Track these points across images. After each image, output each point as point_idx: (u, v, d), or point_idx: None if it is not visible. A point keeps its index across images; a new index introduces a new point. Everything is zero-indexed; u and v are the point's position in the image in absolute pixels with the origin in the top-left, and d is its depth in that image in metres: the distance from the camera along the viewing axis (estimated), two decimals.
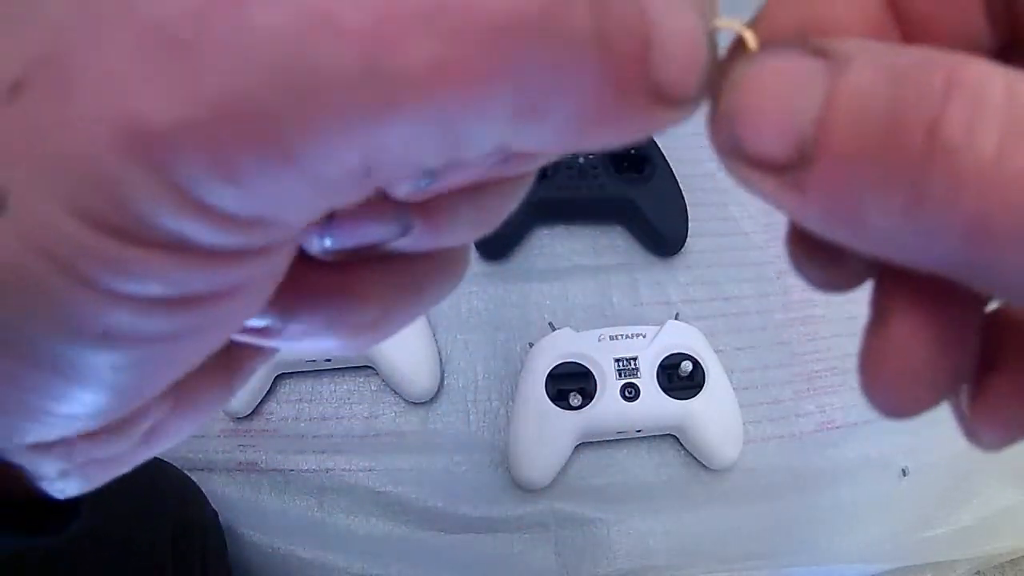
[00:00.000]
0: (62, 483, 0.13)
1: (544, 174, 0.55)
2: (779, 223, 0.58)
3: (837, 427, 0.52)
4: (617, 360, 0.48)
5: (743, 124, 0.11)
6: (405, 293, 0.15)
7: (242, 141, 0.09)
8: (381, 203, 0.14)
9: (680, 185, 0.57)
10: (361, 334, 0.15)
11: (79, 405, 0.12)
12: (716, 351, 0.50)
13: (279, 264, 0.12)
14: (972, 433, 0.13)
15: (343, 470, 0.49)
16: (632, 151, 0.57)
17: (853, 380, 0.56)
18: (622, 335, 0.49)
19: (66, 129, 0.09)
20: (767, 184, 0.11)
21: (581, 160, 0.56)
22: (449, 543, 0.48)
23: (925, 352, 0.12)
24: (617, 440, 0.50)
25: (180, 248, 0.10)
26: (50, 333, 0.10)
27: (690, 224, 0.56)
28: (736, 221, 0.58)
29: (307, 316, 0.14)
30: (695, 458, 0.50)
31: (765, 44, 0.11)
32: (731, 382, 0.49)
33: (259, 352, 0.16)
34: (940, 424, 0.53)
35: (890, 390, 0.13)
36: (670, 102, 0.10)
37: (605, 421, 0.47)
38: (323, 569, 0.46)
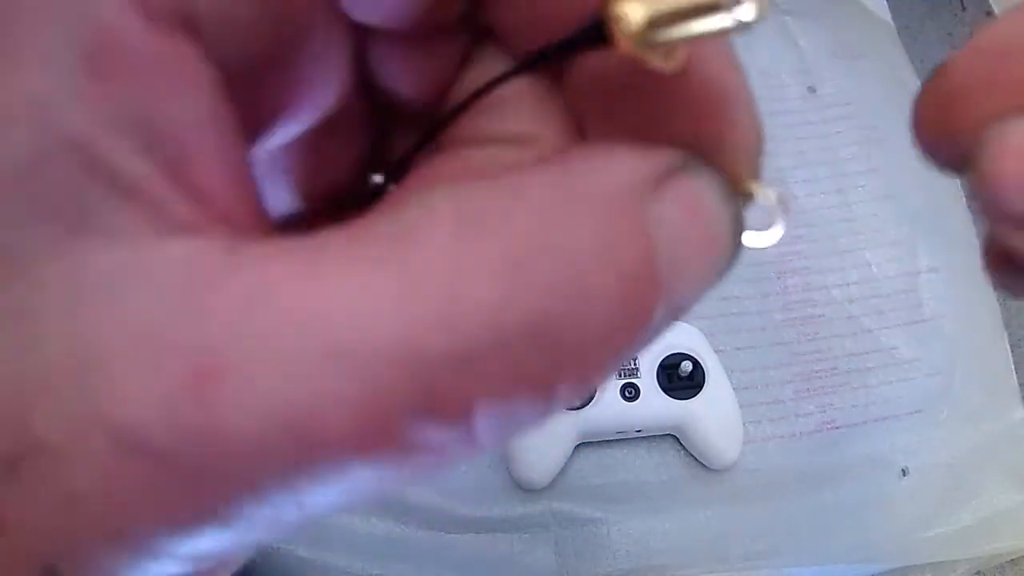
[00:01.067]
0: None
1: None
2: None
3: (837, 427, 0.52)
4: None
5: (1002, 189, 0.11)
6: None
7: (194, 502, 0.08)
8: None
9: None
10: None
11: None
12: (716, 351, 0.50)
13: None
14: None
15: None
16: None
17: (853, 380, 0.56)
18: None
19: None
20: None
21: None
22: (449, 543, 0.48)
23: None
24: (617, 440, 0.50)
25: None
26: None
27: None
28: None
29: None
30: (695, 458, 0.50)
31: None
32: (731, 382, 0.49)
33: None
34: (940, 424, 0.53)
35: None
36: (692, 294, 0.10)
37: (605, 421, 0.47)
38: (323, 569, 0.46)
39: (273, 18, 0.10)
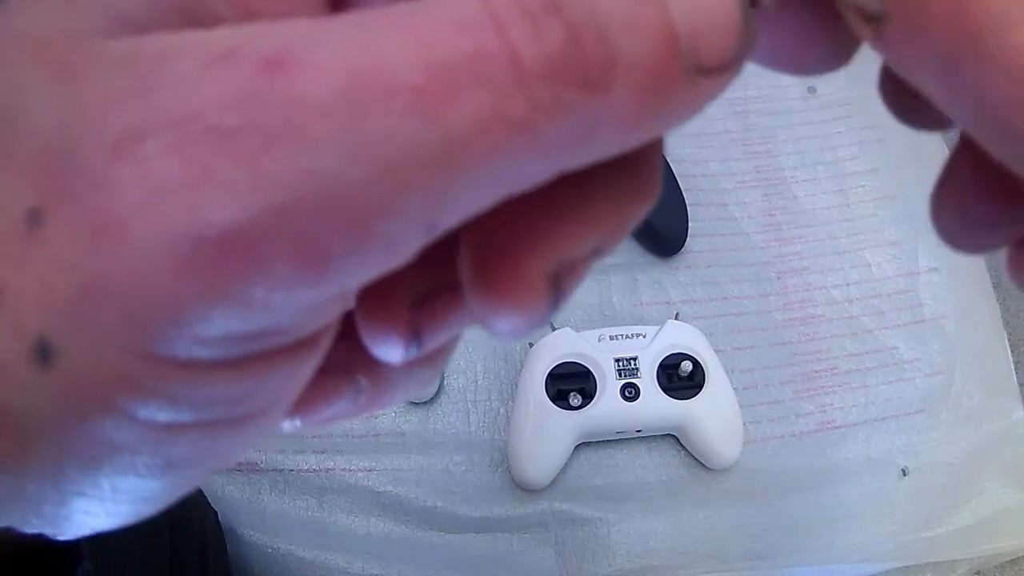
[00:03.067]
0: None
1: None
2: (779, 223, 0.59)
3: (837, 427, 0.52)
4: (617, 360, 0.48)
5: None
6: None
7: (324, 226, 0.09)
8: (338, 377, 0.14)
9: (680, 185, 0.57)
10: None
11: (94, 511, 0.11)
12: (716, 351, 0.50)
13: (311, 365, 0.12)
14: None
15: (343, 470, 0.49)
16: None
17: (853, 380, 0.56)
18: (622, 335, 0.49)
19: (107, 258, 0.09)
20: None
21: None
22: (449, 543, 0.48)
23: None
24: (617, 440, 0.50)
25: (226, 362, 0.10)
26: (82, 467, 0.10)
27: (690, 224, 0.56)
28: (736, 221, 0.58)
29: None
30: (695, 458, 0.50)
31: None
32: (731, 382, 0.49)
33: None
34: (940, 424, 0.53)
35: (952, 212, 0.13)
36: (714, 72, 0.10)
37: (605, 421, 0.47)
38: (323, 569, 0.46)
39: None
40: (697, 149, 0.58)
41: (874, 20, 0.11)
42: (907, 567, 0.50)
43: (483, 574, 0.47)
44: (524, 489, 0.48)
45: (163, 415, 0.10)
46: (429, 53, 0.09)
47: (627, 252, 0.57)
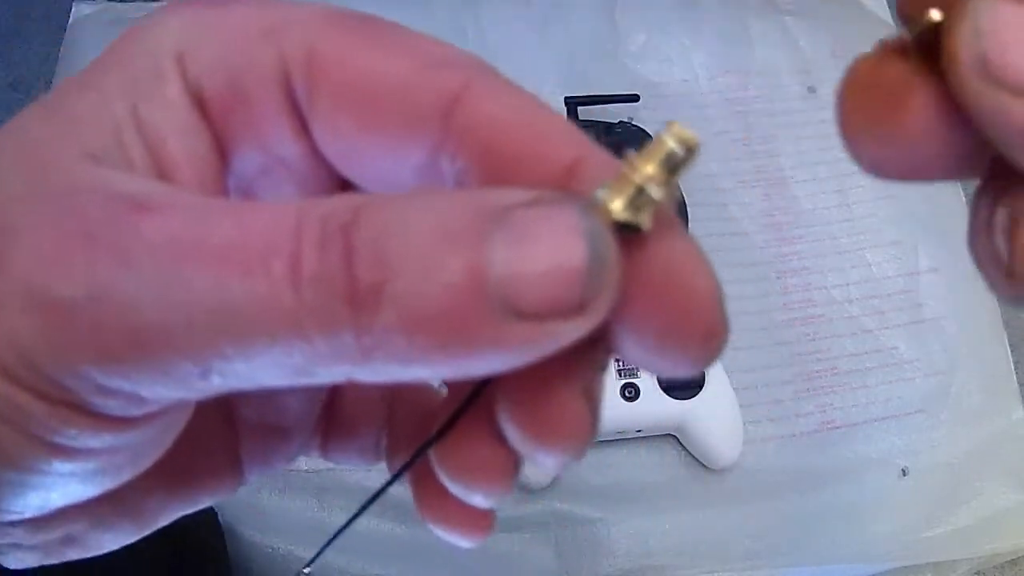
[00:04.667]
0: (8, 556, 0.15)
1: None
2: (779, 223, 0.59)
3: (837, 427, 0.52)
4: (617, 360, 0.48)
5: (997, 47, 0.11)
6: None
7: (118, 333, 0.11)
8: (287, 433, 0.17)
9: (680, 185, 0.57)
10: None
11: None
12: None
13: (165, 431, 0.14)
14: (1015, 281, 0.12)
15: (343, 470, 0.49)
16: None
17: (853, 380, 0.56)
18: None
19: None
20: (1014, 105, 0.11)
21: None
22: (449, 543, 0.47)
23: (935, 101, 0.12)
24: (617, 440, 0.50)
25: (85, 410, 0.12)
26: None
27: (690, 224, 0.56)
28: (736, 221, 0.58)
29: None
30: (695, 458, 0.50)
31: None
32: (731, 382, 0.49)
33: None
34: (940, 424, 0.52)
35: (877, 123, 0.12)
36: (543, 317, 0.11)
37: (605, 421, 0.47)
38: (323, 569, 0.46)
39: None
40: None
41: None
42: (907, 567, 0.50)
43: (483, 574, 0.47)
44: (524, 489, 0.48)
45: (51, 438, 0.12)
46: (240, 237, 0.11)
47: None
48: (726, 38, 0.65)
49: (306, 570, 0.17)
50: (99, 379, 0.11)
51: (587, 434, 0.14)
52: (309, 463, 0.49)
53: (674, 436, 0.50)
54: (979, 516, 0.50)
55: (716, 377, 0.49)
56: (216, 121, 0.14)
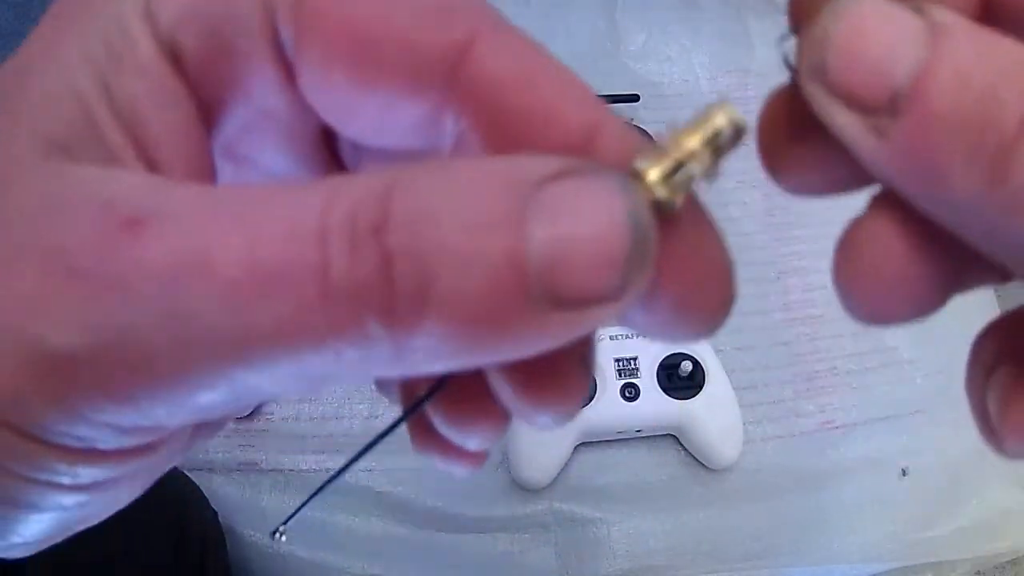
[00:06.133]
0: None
1: None
2: (779, 223, 0.59)
3: (837, 427, 0.52)
4: (617, 360, 0.48)
5: (839, 55, 0.11)
6: None
7: (127, 371, 0.10)
8: None
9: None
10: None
11: None
12: (716, 351, 0.50)
13: (164, 457, 0.13)
14: (997, 440, 0.13)
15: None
16: None
17: (853, 380, 0.56)
18: (622, 335, 0.49)
19: None
20: (843, 118, 0.11)
21: None
22: (449, 543, 0.47)
23: (902, 247, 0.13)
24: (617, 440, 0.50)
25: (79, 450, 0.11)
26: None
27: None
28: (736, 221, 0.58)
29: None
30: (695, 458, 0.50)
31: None
32: (731, 382, 0.49)
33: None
34: (940, 424, 0.52)
35: (864, 281, 0.13)
36: (578, 304, 0.10)
37: (605, 421, 0.47)
38: (323, 569, 0.46)
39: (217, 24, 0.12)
40: None
41: None
42: (907, 567, 0.50)
43: (483, 574, 0.47)
44: (524, 489, 0.48)
45: (43, 476, 0.11)
46: (253, 252, 0.10)
47: None
48: (726, 38, 0.65)
49: (281, 528, 0.16)
50: (108, 419, 0.11)
51: (582, 397, 0.13)
52: (309, 463, 0.49)
53: (674, 436, 0.50)
54: (979, 516, 0.50)
55: (716, 377, 0.49)
56: (195, 81, 0.12)
